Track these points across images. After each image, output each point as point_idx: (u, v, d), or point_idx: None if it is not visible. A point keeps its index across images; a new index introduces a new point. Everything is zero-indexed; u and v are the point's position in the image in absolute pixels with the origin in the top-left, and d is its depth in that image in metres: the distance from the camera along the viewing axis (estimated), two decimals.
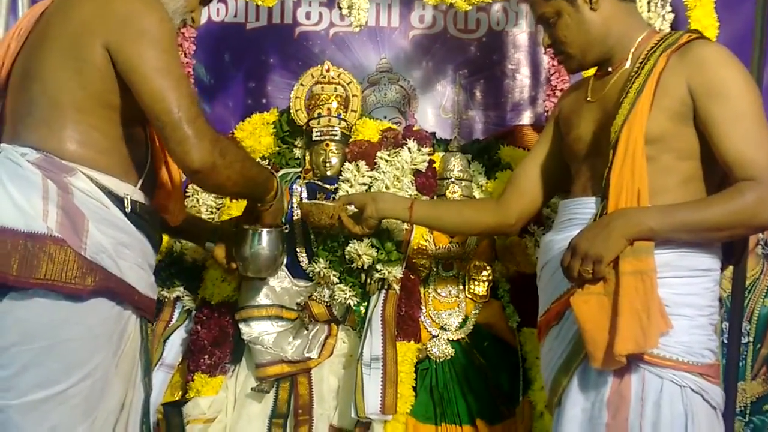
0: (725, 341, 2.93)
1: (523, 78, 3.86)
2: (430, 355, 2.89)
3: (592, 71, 2.36)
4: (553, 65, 3.35)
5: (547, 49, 2.39)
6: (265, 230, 2.52)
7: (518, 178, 2.54)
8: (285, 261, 2.79)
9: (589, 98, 2.29)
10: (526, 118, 3.84)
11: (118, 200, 2.01)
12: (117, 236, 1.99)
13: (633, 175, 2.05)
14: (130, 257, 2.03)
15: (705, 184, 2.13)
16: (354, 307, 2.90)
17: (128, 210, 2.02)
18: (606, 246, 1.99)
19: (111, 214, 1.99)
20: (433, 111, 3.88)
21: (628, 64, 2.21)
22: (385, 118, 3.69)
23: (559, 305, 2.17)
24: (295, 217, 2.95)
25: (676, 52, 2.12)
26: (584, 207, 2.19)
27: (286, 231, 2.67)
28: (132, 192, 2.05)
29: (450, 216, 2.65)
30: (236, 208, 2.98)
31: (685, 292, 2.06)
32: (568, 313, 2.12)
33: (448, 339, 2.90)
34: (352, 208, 2.67)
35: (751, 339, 3.43)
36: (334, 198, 2.89)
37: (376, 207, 2.60)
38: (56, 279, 1.86)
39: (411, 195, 2.91)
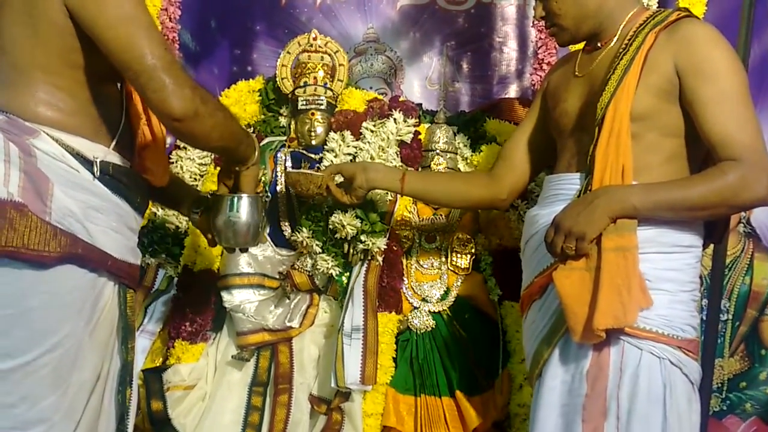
0: (704, 318, 2.95)
1: (510, 51, 3.83)
2: (411, 326, 2.90)
3: (580, 46, 2.36)
4: (540, 38, 3.33)
5: (538, 22, 2.38)
6: (242, 197, 2.28)
7: (508, 152, 2.54)
8: (265, 231, 2.73)
9: (576, 73, 2.28)
10: (513, 91, 3.82)
11: (87, 162, 1.92)
12: (86, 199, 1.90)
13: (618, 152, 2.06)
14: (103, 221, 1.94)
15: (689, 163, 2.14)
16: (336, 277, 2.90)
17: (98, 172, 1.93)
18: (589, 223, 2.01)
19: (79, 177, 1.91)
20: (420, 82, 3.86)
21: (615, 40, 2.20)
22: (371, 88, 3.67)
23: (542, 279, 2.18)
24: (279, 186, 2.94)
25: (664, 30, 2.12)
26: (569, 183, 2.19)
27: (267, 199, 2.45)
28: (104, 153, 1.95)
29: (442, 189, 2.64)
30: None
31: (666, 267, 2.07)
32: (551, 288, 2.13)
33: (429, 311, 2.91)
34: (339, 177, 2.65)
35: (730, 317, 3.45)
36: (318, 168, 2.89)
37: (366, 177, 2.56)
38: (18, 246, 1.77)
39: (396, 166, 2.90)
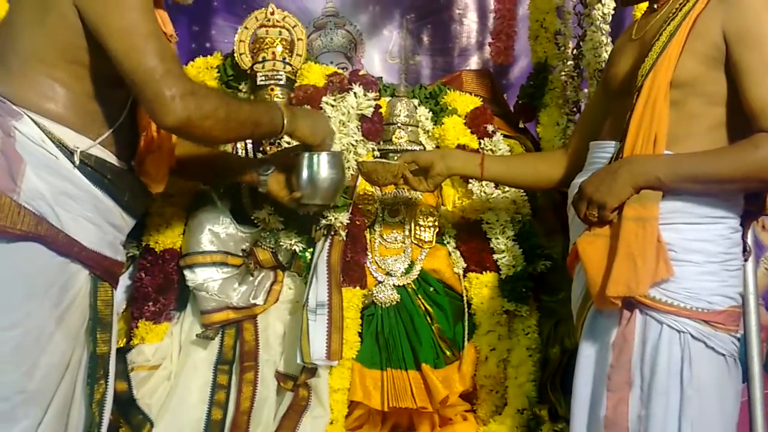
0: None
1: (470, 23, 3.84)
2: (375, 300, 2.89)
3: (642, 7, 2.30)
4: (498, 10, 3.33)
5: None
6: (322, 154, 2.45)
7: (581, 127, 2.50)
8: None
9: (633, 36, 2.24)
10: (474, 62, 3.83)
11: (67, 151, 1.98)
12: (60, 185, 1.96)
13: (652, 120, 2.02)
14: (76, 209, 1.99)
15: (734, 133, 2.05)
16: (299, 253, 2.89)
17: (77, 162, 1.99)
18: (609, 192, 1.99)
19: (57, 163, 1.96)
20: (380, 56, 3.86)
21: (671, 2, 2.14)
22: (332, 63, 3.67)
23: (576, 246, 2.14)
24: None
25: None
26: (603, 150, 2.17)
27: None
28: (87, 146, 2.01)
29: (523, 172, 2.60)
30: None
31: (694, 237, 2.02)
32: None
33: (393, 285, 2.90)
34: (413, 165, 2.62)
35: None
36: (288, 143, 2.86)
37: (446, 164, 2.56)
38: None
39: (357, 140, 2.89)
